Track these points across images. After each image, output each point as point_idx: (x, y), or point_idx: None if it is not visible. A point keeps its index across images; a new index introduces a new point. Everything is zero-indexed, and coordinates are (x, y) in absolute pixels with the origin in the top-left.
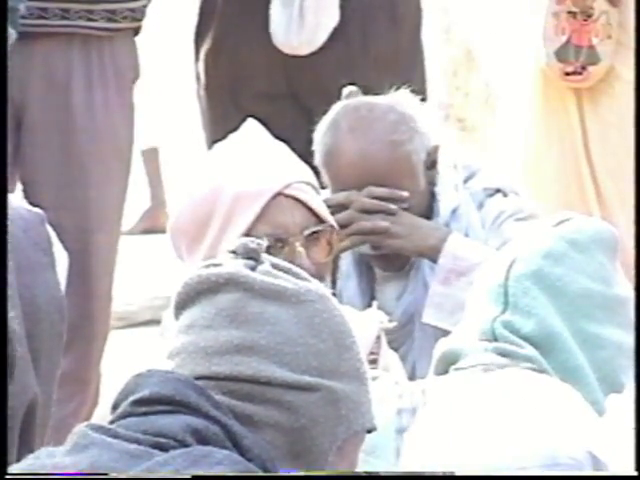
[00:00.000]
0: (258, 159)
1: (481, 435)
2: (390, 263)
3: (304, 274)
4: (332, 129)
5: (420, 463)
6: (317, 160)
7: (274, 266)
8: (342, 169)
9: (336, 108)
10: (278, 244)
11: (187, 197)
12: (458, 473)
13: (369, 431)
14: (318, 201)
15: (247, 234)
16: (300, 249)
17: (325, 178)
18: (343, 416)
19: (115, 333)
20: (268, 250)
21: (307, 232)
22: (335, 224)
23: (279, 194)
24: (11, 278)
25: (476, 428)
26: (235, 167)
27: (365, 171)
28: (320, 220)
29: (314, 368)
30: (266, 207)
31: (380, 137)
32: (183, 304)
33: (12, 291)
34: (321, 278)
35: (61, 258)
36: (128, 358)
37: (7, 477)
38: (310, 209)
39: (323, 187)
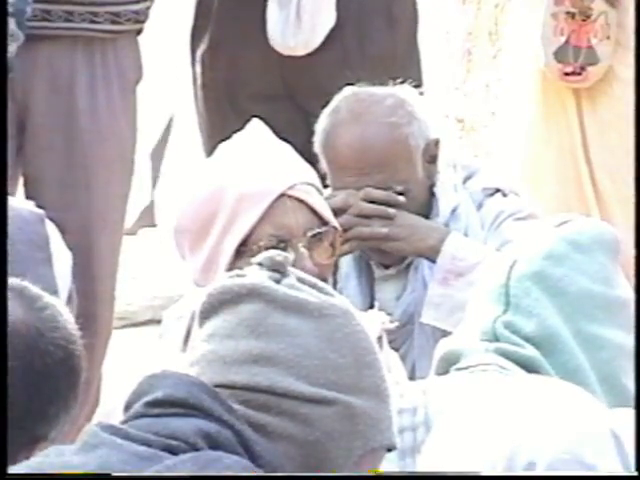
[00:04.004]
0: (263, 160)
1: (502, 425)
2: (389, 257)
3: (329, 289)
4: (332, 114)
5: (443, 461)
6: (316, 147)
7: (300, 280)
8: (339, 150)
9: (337, 97)
10: (281, 245)
11: (191, 196)
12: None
13: (389, 450)
14: (321, 202)
15: (250, 234)
16: (303, 250)
17: (323, 164)
18: (360, 432)
19: (115, 333)
20: (269, 250)
21: (310, 233)
22: (338, 226)
23: (283, 195)
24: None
25: (496, 424)
26: (239, 167)
27: (362, 152)
28: (323, 222)
29: (332, 382)
30: (270, 208)
31: (378, 119)
32: (206, 314)
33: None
34: (323, 280)
35: (65, 257)
36: (128, 358)
37: (7, 477)
38: (313, 210)
39: (324, 180)
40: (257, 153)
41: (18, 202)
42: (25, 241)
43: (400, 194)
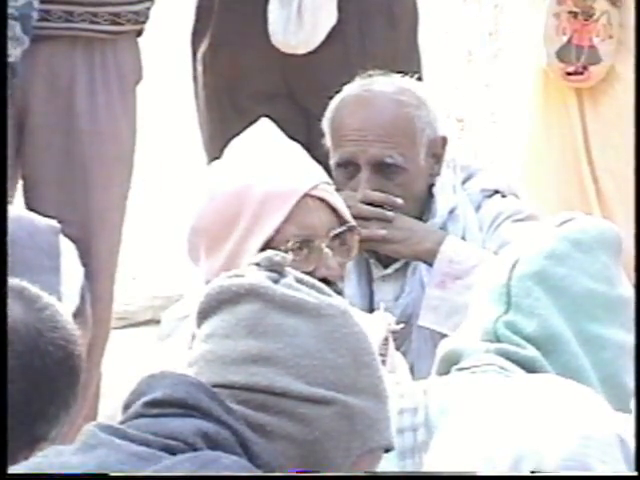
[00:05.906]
0: (282, 159)
1: (512, 423)
2: (386, 256)
3: (327, 289)
4: (343, 92)
5: (451, 460)
6: (324, 123)
7: (298, 280)
8: (345, 118)
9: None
10: (305, 245)
11: (209, 196)
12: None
13: (387, 450)
14: (340, 201)
15: (275, 235)
16: (327, 250)
17: (327, 137)
18: (358, 432)
19: (115, 333)
20: (295, 251)
21: (332, 233)
22: (356, 225)
23: (306, 195)
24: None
25: (504, 422)
26: (260, 167)
27: (366, 120)
28: (342, 221)
29: (330, 382)
30: (294, 208)
31: (388, 95)
32: (205, 314)
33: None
34: (342, 278)
35: (76, 274)
36: (128, 358)
37: (7, 477)
38: (334, 210)
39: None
40: (275, 153)
41: (37, 216)
42: (34, 247)
43: (399, 192)
